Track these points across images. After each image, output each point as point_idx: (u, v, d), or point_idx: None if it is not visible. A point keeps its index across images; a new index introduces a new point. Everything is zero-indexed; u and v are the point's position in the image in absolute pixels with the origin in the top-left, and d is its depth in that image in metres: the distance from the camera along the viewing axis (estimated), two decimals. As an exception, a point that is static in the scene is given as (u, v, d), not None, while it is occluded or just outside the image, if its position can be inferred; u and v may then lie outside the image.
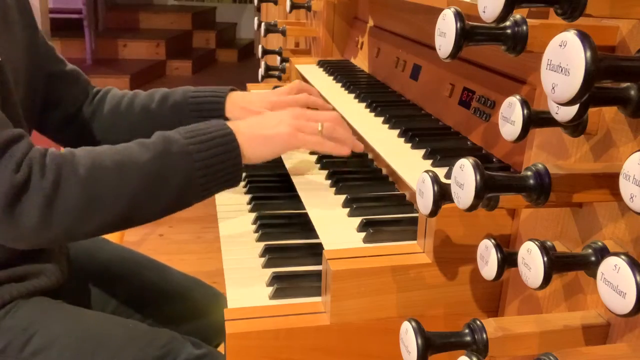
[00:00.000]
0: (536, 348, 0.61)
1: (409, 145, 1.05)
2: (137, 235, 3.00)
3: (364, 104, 1.29)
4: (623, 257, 0.48)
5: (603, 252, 0.58)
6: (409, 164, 0.97)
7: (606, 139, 0.62)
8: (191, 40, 7.22)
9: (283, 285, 0.86)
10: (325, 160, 1.12)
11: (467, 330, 0.61)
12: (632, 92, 0.54)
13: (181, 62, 6.57)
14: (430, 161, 0.97)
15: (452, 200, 0.61)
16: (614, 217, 0.60)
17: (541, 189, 0.57)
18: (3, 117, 0.87)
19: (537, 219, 0.73)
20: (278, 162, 1.21)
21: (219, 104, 1.19)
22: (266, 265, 0.93)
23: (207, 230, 3.08)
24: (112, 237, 1.42)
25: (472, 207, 0.57)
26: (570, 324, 0.62)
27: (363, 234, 0.88)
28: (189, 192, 0.92)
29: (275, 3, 1.97)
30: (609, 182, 0.57)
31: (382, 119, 1.19)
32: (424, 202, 0.66)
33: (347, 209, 0.95)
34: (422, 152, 1.01)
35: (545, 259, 0.55)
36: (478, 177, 0.56)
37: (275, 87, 1.65)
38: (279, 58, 1.95)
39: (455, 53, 0.58)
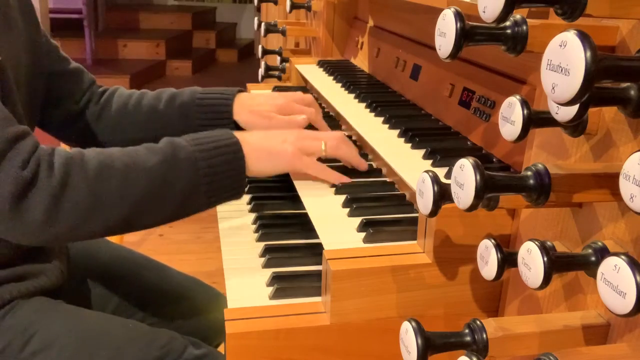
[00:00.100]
0: (536, 348, 0.61)
1: (409, 145, 1.05)
2: (137, 235, 3.00)
3: (364, 104, 1.29)
4: (623, 257, 0.48)
5: (603, 252, 0.58)
6: (409, 164, 0.97)
7: (606, 139, 0.62)
8: (191, 40, 7.22)
9: (283, 285, 0.86)
10: (325, 161, 1.12)
11: (467, 330, 0.61)
12: (632, 92, 0.54)
13: (181, 62, 6.57)
14: (430, 161, 0.97)
15: (452, 200, 0.61)
16: (614, 217, 0.60)
17: (541, 189, 0.57)
18: (8, 114, 0.88)
19: (537, 219, 0.73)
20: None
21: (227, 105, 1.19)
22: (266, 265, 0.93)
23: (207, 230, 3.08)
24: (112, 237, 1.42)
25: (472, 207, 0.57)
26: (570, 324, 0.62)
27: (363, 234, 0.88)
28: (193, 198, 0.92)
29: (275, 3, 1.98)
30: (609, 182, 0.57)
31: (382, 119, 1.19)
32: (424, 202, 0.66)
33: (347, 209, 0.95)
34: (422, 152, 1.01)
35: (545, 259, 0.55)
36: (478, 177, 0.56)
37: (276, 87, 1.65)
38: (279, 58, 1.95)
39: (455, 53, 0.58)
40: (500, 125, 0.64)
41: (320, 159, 1.04)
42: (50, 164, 0.85)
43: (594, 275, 0.57)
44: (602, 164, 0.61)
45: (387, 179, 1.06)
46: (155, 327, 1.10)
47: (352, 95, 1.37)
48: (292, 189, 1.08)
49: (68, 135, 1.25)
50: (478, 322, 0.61)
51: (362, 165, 1.07)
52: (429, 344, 0.58)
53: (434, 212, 0.66)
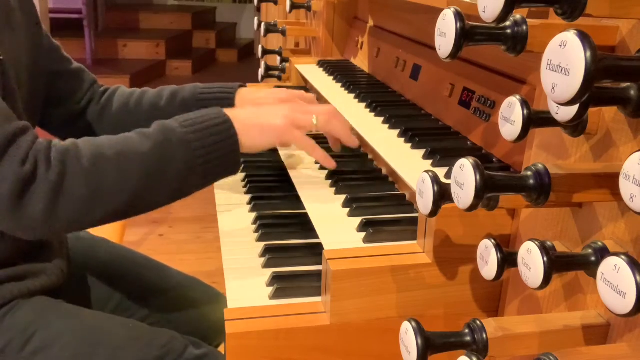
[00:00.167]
0: (536, 348, 0.61)
1: (409, 145, 1.05)
2: (137, 235, 3.00)
3: (364, 104, 1.29)
4: (623, 257, 0.48)
5: (603, 252, 0.58)
6: (409, 164, 0.97)
7: (606, 139, 0.62)
8: (191, 40, 7.22)
9: (283, 285, 0.86)
10: (325, 160, 1.12)
11: (467, 330, 0.61)
12: (632, 92, 0.54)
13: (181, 62, 6.57)
14: (430, 161, 0.97)
15: (452, 200, 0.61)
16: (614, 217, 0.60)
17: (541, 189, 0.57)
18: (8, 110, 0.88)
19: (537, 219, 0.73)
20: (278, 162, 1.21)
21: (229, 99, 1.19)
22: (266, 265, 0.93)
23: (207, 230, 3.08)
24: (112, 237, 1.42)
25: (472, 207, 0.57)
26: (570, 324, 0.62)
27: (363, 234, 0.88)
28: (189, 179, 0.93)
29: (275, 3, 1.98)
30: (609, 182, 0.57)
31: (382, 119, 1.19)
32: (424, 202, 0.66)
33: (347, 209, 0.95)
34: (422, 152, 1.01)
35: (545, 259, 0.55)
36: (478, 177, 0.56)
37: (276, 87, 1.65)
38: (279, 58, 1.95)
39: (455, 53, 0.58)
40: (500, 125, 0.64)
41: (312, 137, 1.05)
42: (48, 158, 0.85)
43: (594, 275, 0.57)
44: (602, 164, 0.61)
45: (385, 174, 1.06)
46: (156, 327, 1.10)
47: (352, 95, 1.37)
48: (292, 188, 1.08)
49: (69, 134, 1.24)
50: (478, 322, 0.61)
51: (353, 142, 1.08)
52: (429, 344, 0.58)
53: (434, 212, 0.66)
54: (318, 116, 1.04)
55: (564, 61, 0.47)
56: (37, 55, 1.12)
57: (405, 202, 0.98)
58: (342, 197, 0.99)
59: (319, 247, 0.88)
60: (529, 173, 0.58)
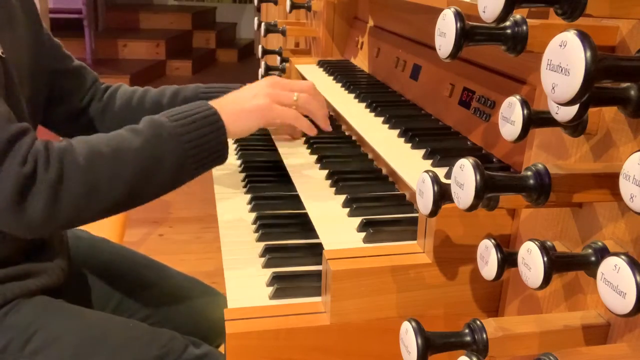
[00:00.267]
0: (536, 348, 0.61)
1: (409, 145, 1.05)
2: (137, 235, 3.00)
3: (364, 104, 1.29)
4: (623, 257, 0.48)
5: (603, 252, 0.58)
6: (409, 164, 0.97)
7: (606, 139, 0.62)
8: (191, 40, 7.22)
9: (283, 285, 0.86)
10: (325, 160, 1.12)
11: (467, 330, 0.61)
12: (632, 92, 0.54)
13: (181, 62, 6.57)
14: (430, 161, 0.97)
15: (452, 200, 0.61)
16: (614, 217, 0.60)
17: (541, 189, 0.57)
18: (9, 112, 0.90)
19: (537, 219, 0.73)
20: (278, 162, 1.21)
21: None
22: (266, 265, 0.93)
23: (207, 230, 3.08)
24: (112, 237, 1.42)
25: (472, 207, 0.57)
26: (570, 324, 0.62)
27: (363, 234, 0.88)
28: (181, 171, 0.96)
29: (275, 3, 1.97)
30: (609, 182, 0.57)
31: (382, 119, 1.19)
32: (424, 202, 0.66)
33: (347, 209, 0.95)
34: (422, 152, 1.01)
35: (545, 259, 0.55)
36: (478, 177, 0.56)
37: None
38: (279, 58, 1.95)
39: (455, 53, 0.58)
40: (500, 125, 0.64)
41: None
42: (47, 158, 0.87)
43: (594, 275, 0.57)
44: (602, 164, 0.61)
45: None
46: (156, 327, 1.10)
47: (352, 95, 1.37)
48: (292, 189, 1.08)
49: (71, 132, 1.25)
50: (478, 322, 0.61)
51: (327, 126, 1.14)
52: (429, 344, 0.58)
53: (434, 212, 0.66)
54: (299, 94, 1.08)
55: (564, 61, 0.47)
56: (39, 53, 1.13)
57: (405, 202, 0.98)
58: (342, 197, 0.99)
59: (319, 247, 0.88)
60: (529, 173, 0.58)
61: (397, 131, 1.10)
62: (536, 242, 0.56)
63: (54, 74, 1.19)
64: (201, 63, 6.80)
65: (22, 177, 0.85)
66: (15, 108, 0.94)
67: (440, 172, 0.84)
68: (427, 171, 0.66)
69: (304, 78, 1.67)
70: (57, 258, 1.09)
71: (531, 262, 0.56)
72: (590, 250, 0.59)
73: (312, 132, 1.10)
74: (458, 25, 0.57)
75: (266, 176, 1.25)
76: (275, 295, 0.85)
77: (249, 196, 1.16)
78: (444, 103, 1.16)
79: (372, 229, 0.87)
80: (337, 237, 0.88)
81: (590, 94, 0.50)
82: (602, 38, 0.60)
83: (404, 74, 1.36)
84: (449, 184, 0.61)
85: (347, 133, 1.29)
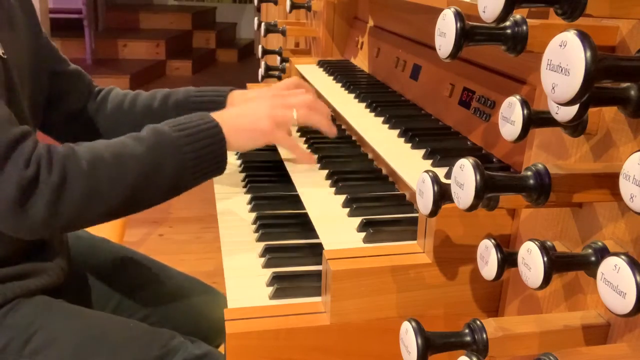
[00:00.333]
0: (536, 348, 0.61)
1: (409, 145, 1.05)
2: (137, 236, 3.00)
3: (364, 104, 1.29)
4: (623, 257, 0.48)
5: (603, 252, 0.58)
6: (409, 164, 0.97)
7: (606, 139, 0.62)
8: (191, 40, 7.21)
9: (283, 285, 0.86)
10: (325, 160, 1.12)
11: (467, 330, 0.61)
12: (632, 92, 0.54)
13: (181, 62, 6.57)
14: (430, 161, 0.97)
15: (452, 200, 0.61)
16: (614, 217, 0.60)
17: (541, 189, 0.57)
18: (11, 115, 0.91)
19: (537, 219, 0.73)
20: (278, 162, 1.21)
21: (221, 103, 1.22)
22: (266, 265, 0.93)
23: (207, 230, 3.08)
24: (112, 237, 1.42)
25: (472, 207, 0.57)
26: (570, 324, 0.62)
27: (363, 234, 0.88)
28: (181, 181, 0.98)
29: (275, 3, 1.97)
30: (609, 182, 0.57)
31: (382, 119, 1.19)
32: (424, 202, 0.66)
33: (347, 209, 0.95)
34: (422, 152, 1.01)
35: (545, 259, 0.55)
36: (478, 177, 0.56)
37: (275, 87, 1.65)
38: (279, 58, 1.95)
39: (455, 53, 0.58)
40: (500, 125, 0.64)
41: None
42: (49, 161, 0.88)
43: (594, 275, 0.57)
44: (602, 164, 0.61)
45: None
46: (156, 327, 1.10)
47: (352, 95, 1.37)
48: (292, 188, 1.08)
49: (67, 135, 1.25)
50: (478, 322, 0.61)
51: (332, 131, 1.14)
52: (429, 344, 0.58)
53: (434, 212, 0.66)
54: (298, 110, 1.09)
55: (564, 61, 0.47)
56: (38, 55, 1.13)
57: (405, 202, 0.98)
58: (342, 197, 0.99)
59: (319, 247, 0.88)
60: (529, 173, 0.58)
61: (397, 131, 1.10)
62: (536, 242, 0.56)
63: (54, 76, 1.20)
64: (201, 63, 6.80)
65: (25, 180, 0.85)
66: (16, 109, 0.95)
67: (440, 172, 0.84)
68: (427, 171, 0.66)
69: (304, 78, 1.67)
70: (57, 258, 1.09)
71: (531, 262, 0.56)
72: (590, 250, 0.59)
73: (309, 160, 1.12)
74: (458, 25, 0.57)
75: (266, 176, 1.25)
76: (275, 295, 0.85)
77: (249, 196, 1.16)
78: (444, 103, 1.16)
79: (372, 229, 0.87)
80: (337, 237, 0.88)
81: (590, 94, 0.50)
82: (602, 38, 0.60)
83: (404, 74, 1.36)
84: (449, 184, 0.61)
85: (347, 133, 1.30)
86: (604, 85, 0.55)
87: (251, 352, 0.78)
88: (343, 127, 1.32)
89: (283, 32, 1.88)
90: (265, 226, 1.04)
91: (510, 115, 0.62)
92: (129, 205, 0.95)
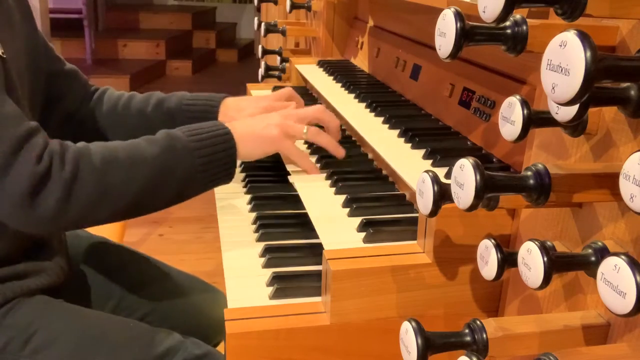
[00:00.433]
0: (536, 348, 0.61)
1: (409, 145, 1.05)
2: (137, 235, 3.00)
3: (364, 104, 1.29)
4: (623, 257, 0.48)
5: (603, 252, 0.58)
6: (409, 164, 0.97)
7: (606, 139, 0.62)
8: (191, 40, 7.21)
9: (283, 285, 0.86)
10: (325, 161, 1.12)
11: (467, 330, 0.61)
12: (632, 92, 0.54)
13: (181, 62, 6.57)
14: (430, 161, 0.97)
15: (452, 200, 0.61)
16: (614, 217, 0.60)
17: (541, 189, 0.57)
18: (19, 111, 0.91)
19: (537, 219, 0.73)
20: (278, 162, 1.21)
21: (213, 112, 1.22)
22: (266, 265, 0.93)
23: (207, 230, 3.08)
24: (112, 237, 1.42)
25: (472, 207, 0.57)
26: (570, 324, 0.62)
27: (363, 234, 0.88)
28: (190, 185, 0.99)
29: (275, 3, 1.98)
30: (609, 182, 0.57)
31: (382, 119, 1.19)
32: (424, 202, 0.66)
33: (347, 209, 0.95)
34: (422, 152, 1.01)
35: (545, 259, 0.55)
36: (478, 177, 0.56)
37: (275, 87, 1.65)
38: (279, 58, 1.95)
39: (455, 53, 0.58)
40: (500, 125, 0.64)
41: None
42: (62, 158, 0.89)
43: (594, 275, 0.57)
44: (602, 164, 0.61)
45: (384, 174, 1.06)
46: (155, 326, 1.10)
47: (352, 95, 1.37)
48: (292, 189, 1.08)
49: (64, 135, 1.25)
50: (478, 322, 0.61)
51: (339, 153, 1.13)
52: (429, 344, 0.58)
53: (434, 212, 0.66)
54: (309, 127, 1.10)
55: (564, 61, 0.47)
56: (36, 54, 1.13)
57: (405, 202, 0.98)
58: (342, 197, 0.99)
59: (319, 247, 0.88)
60: (529, 173, 0.58)
61: (397, 131, 1.10)
62: (536, 242, 0.56)
63: (51, 76, 1.20)
64: (201, 63, 6.80)
65: (37, 175, 0.86)
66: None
67: (440, 172, 0.84)
68: (427, 171, 0.66)
69: (304, 78, 1.67)
70: (56, 257, 1.09)
71: (531, 262, 0.56)
72: (590, 250, 0.59)
73: (315, 172, 1.10)
74: (458, 25, 0.57)
75: (266, 176, 1.25)
76: (275, 295, 0.85)
77: (249, 196, 1.16)
78: (444, 103, 1.16)
79: (372, 229, 0.87)
80: (337, 237, 0.88)
81: (590, 94, 0.50)
82: (602, 38, 0.60)
83: (404, 74, 1.36)
84: (449, 184, 0.61)
85: (347, 133, 1.30)
86: (604, 85, 0.55)
87: (251, 352, 0.78)
88: (343, 127, 1.32)
89: (283, 32, 1.88)
90: (265, 226, 1.04)
91: (510, 115, 0.62)
92: (136, 207, 0.96)
